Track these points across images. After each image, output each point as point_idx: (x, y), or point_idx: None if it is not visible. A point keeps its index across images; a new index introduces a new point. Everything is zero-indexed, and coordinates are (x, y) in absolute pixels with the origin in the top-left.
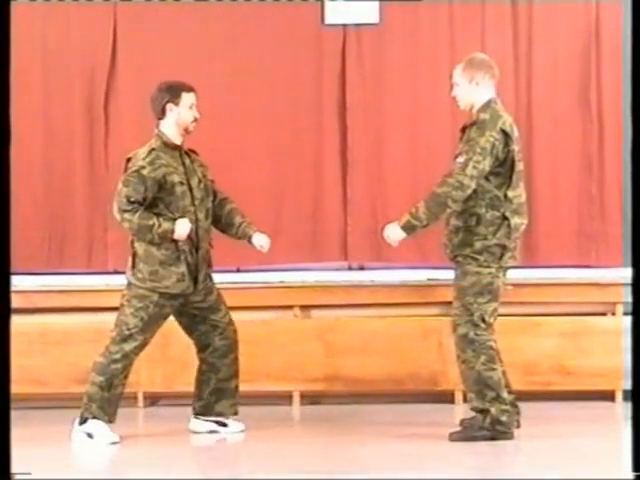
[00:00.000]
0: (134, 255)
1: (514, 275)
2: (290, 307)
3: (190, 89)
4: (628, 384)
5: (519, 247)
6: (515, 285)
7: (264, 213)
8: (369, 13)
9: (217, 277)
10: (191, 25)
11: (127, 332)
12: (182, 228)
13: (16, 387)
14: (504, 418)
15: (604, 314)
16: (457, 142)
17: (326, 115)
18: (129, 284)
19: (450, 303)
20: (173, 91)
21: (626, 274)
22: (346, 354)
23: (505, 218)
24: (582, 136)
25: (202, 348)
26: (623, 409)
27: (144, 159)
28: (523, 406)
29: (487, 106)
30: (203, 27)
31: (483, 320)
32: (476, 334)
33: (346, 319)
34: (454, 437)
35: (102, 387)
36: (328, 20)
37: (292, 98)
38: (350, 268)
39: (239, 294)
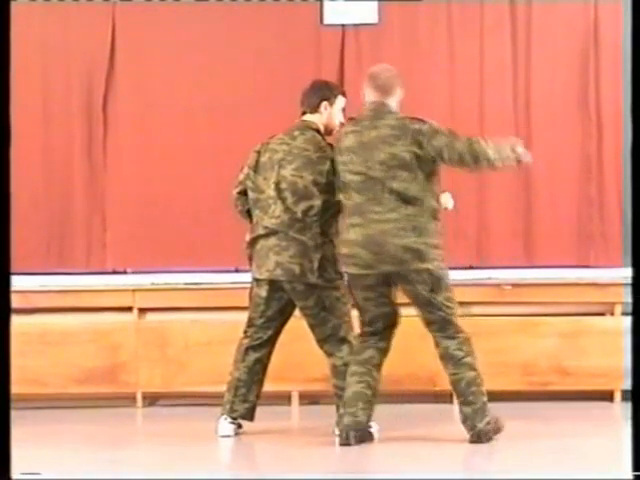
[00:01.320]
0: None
1: (513, 275)
2: None
3: (344, 93)
4: (627, 384)
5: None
6: (514, 285)
7: None
8: (368, 13)
9: (216, 277)
10: (190, 25)
11: None
12: None
13: (15, 387)
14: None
15: (603, 314)
16: None
17: None
18: None
19: None
20: (331, 91)
21: (625, 274)
22: None
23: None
24: (581, 136)
25: (274, 343)
26: (622, 409)
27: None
28: (522, 406)
29: None
30: (202, 27)
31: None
32: None
33: None
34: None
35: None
36: (327, 20)
37: (291, 98)
38: None
39: (238, 294)
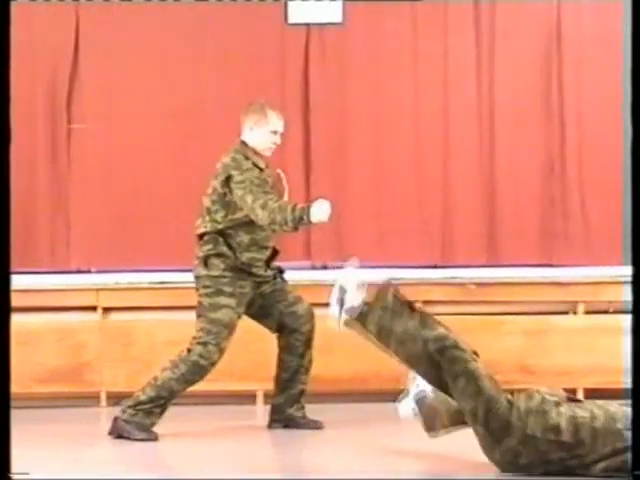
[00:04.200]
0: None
1: (477, 274)
2: None
3: None
4: (589, 382)
5: None
6: (478, 284)
7: None
8: (332, 12)
9: (180, 276)
10: (153, 25)
11: None
12: None
13: None
14: None
15: (566, 313)
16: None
17: (289, 115)
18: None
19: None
20: None
21: (588, 273)
22: None
23: None
24: (544, 136)
25: None
26: None
27: None
28: None
29: None
30: (165, 27)
31: None
32: None
33: None
34: None
35: None
36: (291, 19)
37: (255, 97)
38: (313, 267)
39: None
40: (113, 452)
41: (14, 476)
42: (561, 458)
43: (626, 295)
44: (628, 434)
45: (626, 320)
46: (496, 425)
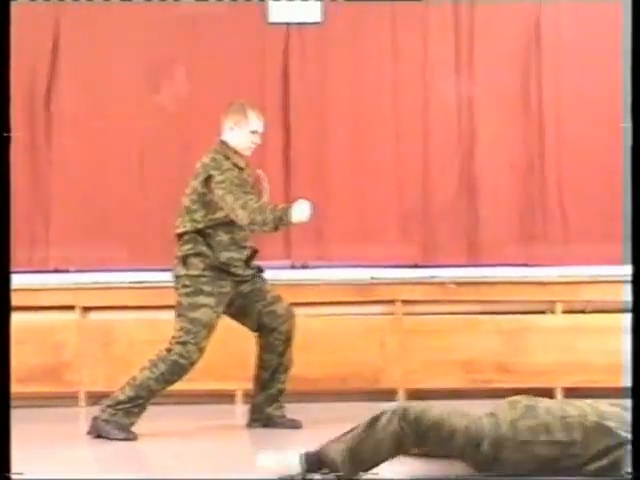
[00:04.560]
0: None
1: (456, 273)
2: None
3: None
4: (567, 381)
5: None
6: (458, 283)
7: None
8: (312, 12)
9: (159, 276)
10: (133, 24)
11: None
12: None
13: None
14: None
15: (544, 312)
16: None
17: (269, 114)
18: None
19: (392, 302)
20: None
21: (565, 272)
22: None
23: None
24: (523, 136)
25: None
26: None
27: None
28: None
29: None
30: (145, 27)
31: None
32: None
33: None
34: None
35: None
36: (271, 19)
37: (235, 96)
38: (293, 266)
39: None
40: (92, 452)
41: (12, 476)
42: (555, 458)
43: (614, 295)
44: (621, 433)
45: (611, 319)
46: (487, 446)
